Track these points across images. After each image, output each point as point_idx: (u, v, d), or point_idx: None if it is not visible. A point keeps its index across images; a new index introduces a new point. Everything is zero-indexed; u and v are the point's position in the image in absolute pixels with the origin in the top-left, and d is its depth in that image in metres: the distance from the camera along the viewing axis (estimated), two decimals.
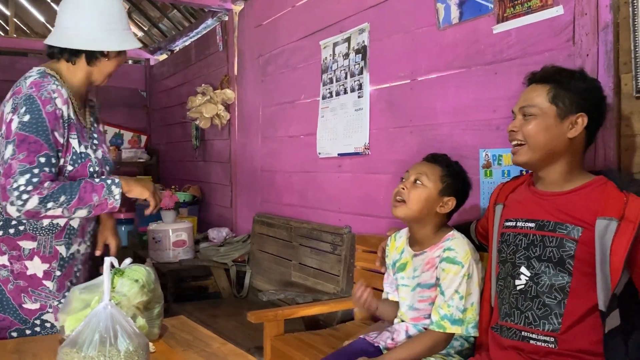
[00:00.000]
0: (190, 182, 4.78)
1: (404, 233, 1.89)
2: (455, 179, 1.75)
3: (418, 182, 1.74)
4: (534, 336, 1.39)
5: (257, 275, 3.41)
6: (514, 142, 1.50)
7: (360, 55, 2.65)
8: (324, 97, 2.94)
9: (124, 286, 1.50)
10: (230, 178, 4.08)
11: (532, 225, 1.46)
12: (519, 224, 1.50)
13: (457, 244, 1.68)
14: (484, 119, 2.06)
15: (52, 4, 5.84)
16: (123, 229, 4.80)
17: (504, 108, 1.97)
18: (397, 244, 1.89)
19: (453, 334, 1.65)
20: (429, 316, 1.69)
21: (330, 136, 2.88)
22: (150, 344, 1.47)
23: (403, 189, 1.74)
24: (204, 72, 4.50)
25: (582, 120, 1.43)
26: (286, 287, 3.01)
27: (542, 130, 1.44)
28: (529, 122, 1.46)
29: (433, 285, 1.71)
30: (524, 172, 1.88)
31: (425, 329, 1.70)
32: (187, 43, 5.00)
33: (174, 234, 3.56)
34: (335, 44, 2.83)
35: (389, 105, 2.52)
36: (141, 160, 5.56)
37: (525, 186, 1.59)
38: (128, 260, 1.59)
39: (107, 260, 1.34)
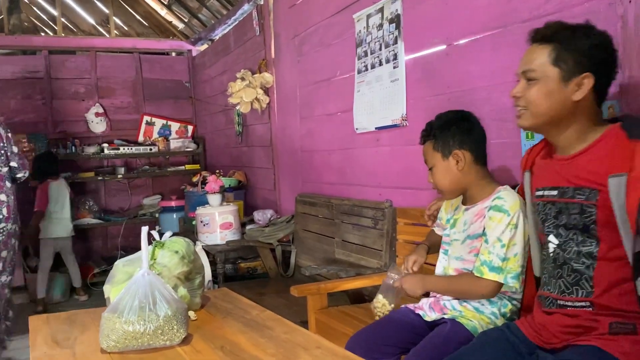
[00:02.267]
0: (236, 167, 4.86)
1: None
2: (443, 138, 1.75)
3: (429, 170, 1.81)
4: (569, 303, 1.35)
5: (302, 254, 3.44)
6: (519, 107, 1.44)
7: (394, 24, 2.60)
8: (359, 71, 2.91)
9: (164, 257, 1.55)
10: (272, 161, 4.12)
11: (555, 193, 1.41)
12: (545, 192, 1.45)
13: (506, 195, 1.66)
14: None
15: (97, 2, 6.03)
16: (175, 216, 4.96)
17: None
18: (453, 202, 1.90)
19: (494, 283, 1.61)
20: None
21: (367, 110, 2.86)
22: (192, 312, 1.52)
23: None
24: (242, 57, 4.55)
25: (588, 82, 1.34)
26: (330, 264, 3.02)
27: (545, 96, 1.37)
28: (531, 87, 1.40)
29: (480, 235, 1.69)
30: None
31: None
32: (226, 31, 5.06)
33: (220, 216, 3.63)
34: (368, 16, 2.79)
35: (425, 74, 2.46)
36: (189, 149, 5.70)
37: (544, 154, 1.53)
38: (169, 233, 1.64)
39: (144, 230, 1.39)
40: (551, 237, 1.41)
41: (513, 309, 1.68)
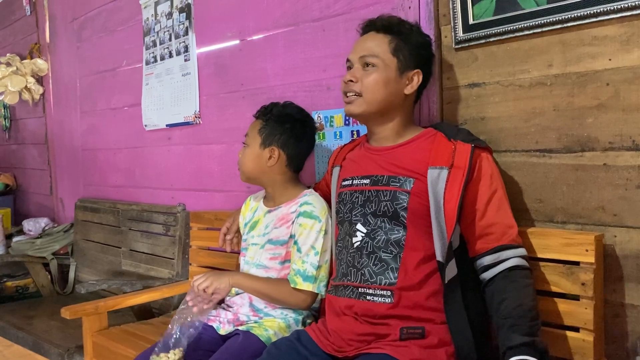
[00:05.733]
0: (2, 169, 4.14)
1: (260, 193, 1.79)
2: (273, 127, 1.64)
3: (244, 144, 1.69)
4: (370, 291, 1.32)
5: (83, 267, 3.03)
6: (351, 93, 1.40)
7: (185, 14, 2.41)
8: (147, 63, 2.64)
9: None
10: (48, 161, 3.57)
11: (367, 181, 1.40)
12: (355, 181, 1.43)
13: (314, 199, 1.61)
14: (314, 79, 1.96)
15: None
16: None
17: (334, 67, 1.89)
18: (252, 205, 1.79)
19: (309, 293, 1.55)
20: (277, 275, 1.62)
21: (157, 106, 2.61)
22: None
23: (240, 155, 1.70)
24: (10, 40, 3.88)
25: (417, 77, 1.40)
26: (116, 277, 2.70)
27: (383, 84, 1.37)
28: (370, 73, 1.37)
29: (285, 242, 1.61)
30: (356, 136, 1.83)
31: None
32: None
33: None
34: (156, 3, 2.55)
35: (219, 69, 2.32)
36: None
37: (361, 146, 1.53)
38: None
39: None
40: (359, 226, 1.38)
41: (310, 313, 1.64)
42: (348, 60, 1.43)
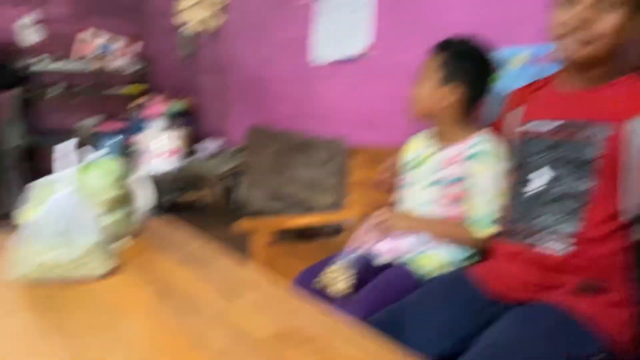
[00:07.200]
0: (184, 92, 4.57)
1: (428, 132, 1.74)
2: (457, 64, 1.55)
3: (421, 78, 1.63)
4: (546, 239, 1.25)
5: (249, 187, 3.29)
6: (581, 39, 1.21)
7: None
8: None
9: (94, 178, 1.36)
10: (223, 88, 3.87)
11: (554, 126, 1.29)
12: (540, 125, 1.33)
13: (490, 140, 1.55)
14: (497, 16, 1.84)
15: None
16: (115, 140, 4.66)
17: (519, 4, 1.75)
18: (418, 143, 1.75)
19: (491, 234, 1.51)
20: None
21: (329, 39, 2.66)
22: (123, 241, 1.36)
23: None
24: None
25: None
26: (279, 200, 2.91)
27: (621, 30, 1.19)
28: (606, 16, 1.19)
29: (455, 181, 1.57)
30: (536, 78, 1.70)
31: None
32: None
33: (162, 143, 3.41)
34: None
35: (396, 1, 2.28)
36: (134, 69, 5.29)
37: (546, 89, 1.40)
38: (102, 151, 1.44)
39: (69, 144, 1.19)
40: (541, 171, 1.30)
41: (475, 253, 1.58)
42: None
